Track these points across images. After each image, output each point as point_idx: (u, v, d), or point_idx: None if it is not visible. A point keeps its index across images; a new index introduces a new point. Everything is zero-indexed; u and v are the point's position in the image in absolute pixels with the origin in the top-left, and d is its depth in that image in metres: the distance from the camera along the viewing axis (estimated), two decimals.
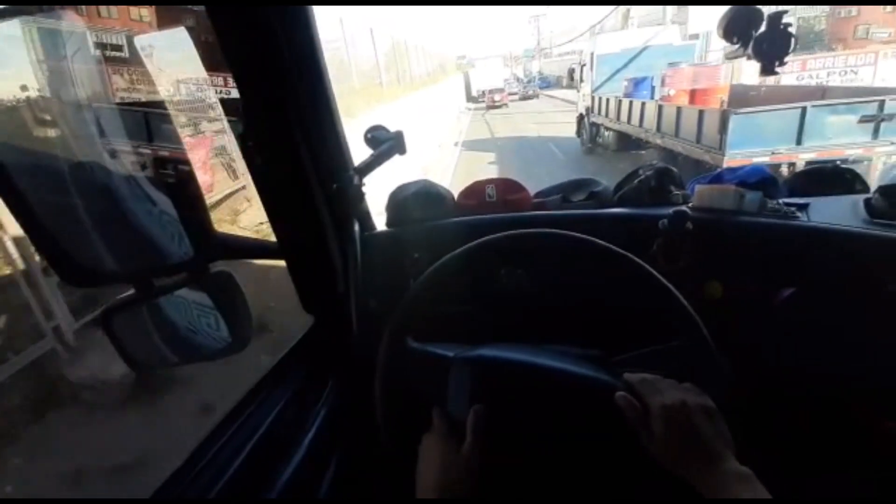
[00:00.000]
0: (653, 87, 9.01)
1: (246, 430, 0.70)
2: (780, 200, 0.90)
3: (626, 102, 8.47)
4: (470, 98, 32.39)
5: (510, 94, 28.54)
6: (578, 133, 11.21)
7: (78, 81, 0.56)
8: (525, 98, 30.51)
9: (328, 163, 0.76)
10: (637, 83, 9.19)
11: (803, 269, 0.82)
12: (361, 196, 0.85)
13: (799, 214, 0.86)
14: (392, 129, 0.87)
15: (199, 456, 0.65)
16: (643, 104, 7.80)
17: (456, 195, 1.07)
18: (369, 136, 0.87)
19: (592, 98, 10.11)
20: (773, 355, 0.85)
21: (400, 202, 1.02)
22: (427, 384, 0.64)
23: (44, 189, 0.57)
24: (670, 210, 0.84)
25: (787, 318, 0.83)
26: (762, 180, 0.96)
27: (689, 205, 0.94)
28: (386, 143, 0.85)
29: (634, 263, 0.63)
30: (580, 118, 10.99)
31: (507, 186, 1.05)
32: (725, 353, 0.61)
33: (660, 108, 7.18)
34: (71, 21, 0.56)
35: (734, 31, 0.92)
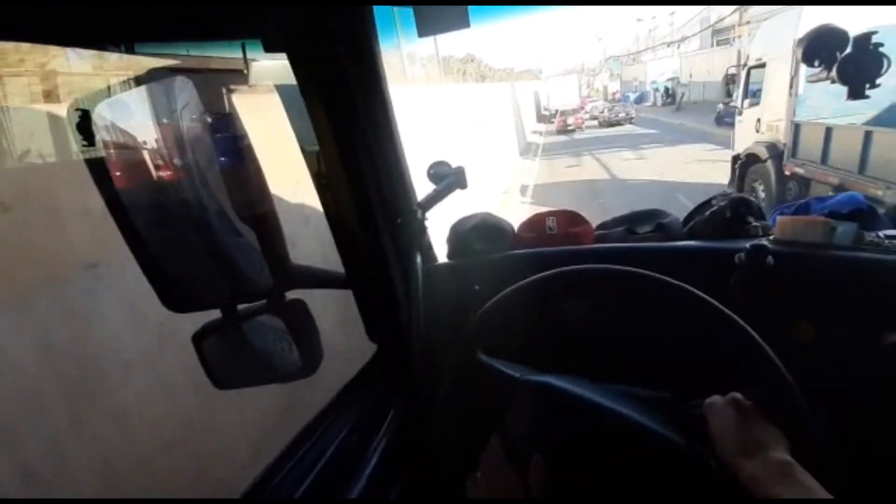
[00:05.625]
0: None
1: (312, 455, 0.73)
2: (881, 233, 0.81)
3: None
4: (540, 117, 28.52)
5: (591, 118, 23.26)
6: (739, 189, 5.81)
7: (184, 131, 0.65)
8: (610, 124, 21.67)
9: (393, 198, 0.81)
10: None
11: None
12: (424, 230, 0.88)
13: None
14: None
15: (265, 482, 0.67)
16: None
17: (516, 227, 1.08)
18: (431, 171, 0.91)
19: (796, 128, 5.01)
20: (879, 407, 0.75)
21: (460, 235, 1.04)
22: (489, 400, 0.63)
23: (151, 224, 0.66)
24: (748, 244, 0.79)
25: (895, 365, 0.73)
26: (856, 210, 0.87)
27: (771, 237, 0.87)
28: (447, 179, 0.89)
29: (704, 301, 0.60)
30: (742, 164, 5.95)
31: (568, 219, 1.04)
32: (819, 401, 0.56)
33: None
34: (183, 79, 0.66)
35: (816, 53, 0.87)
